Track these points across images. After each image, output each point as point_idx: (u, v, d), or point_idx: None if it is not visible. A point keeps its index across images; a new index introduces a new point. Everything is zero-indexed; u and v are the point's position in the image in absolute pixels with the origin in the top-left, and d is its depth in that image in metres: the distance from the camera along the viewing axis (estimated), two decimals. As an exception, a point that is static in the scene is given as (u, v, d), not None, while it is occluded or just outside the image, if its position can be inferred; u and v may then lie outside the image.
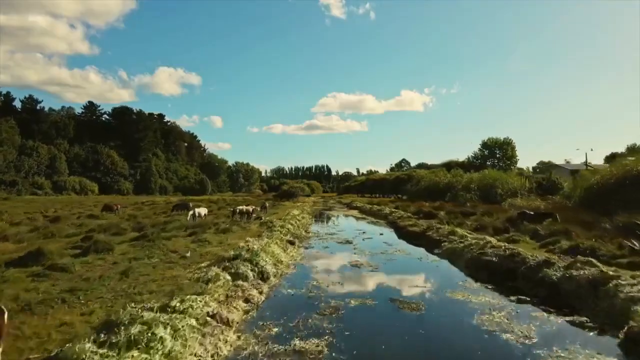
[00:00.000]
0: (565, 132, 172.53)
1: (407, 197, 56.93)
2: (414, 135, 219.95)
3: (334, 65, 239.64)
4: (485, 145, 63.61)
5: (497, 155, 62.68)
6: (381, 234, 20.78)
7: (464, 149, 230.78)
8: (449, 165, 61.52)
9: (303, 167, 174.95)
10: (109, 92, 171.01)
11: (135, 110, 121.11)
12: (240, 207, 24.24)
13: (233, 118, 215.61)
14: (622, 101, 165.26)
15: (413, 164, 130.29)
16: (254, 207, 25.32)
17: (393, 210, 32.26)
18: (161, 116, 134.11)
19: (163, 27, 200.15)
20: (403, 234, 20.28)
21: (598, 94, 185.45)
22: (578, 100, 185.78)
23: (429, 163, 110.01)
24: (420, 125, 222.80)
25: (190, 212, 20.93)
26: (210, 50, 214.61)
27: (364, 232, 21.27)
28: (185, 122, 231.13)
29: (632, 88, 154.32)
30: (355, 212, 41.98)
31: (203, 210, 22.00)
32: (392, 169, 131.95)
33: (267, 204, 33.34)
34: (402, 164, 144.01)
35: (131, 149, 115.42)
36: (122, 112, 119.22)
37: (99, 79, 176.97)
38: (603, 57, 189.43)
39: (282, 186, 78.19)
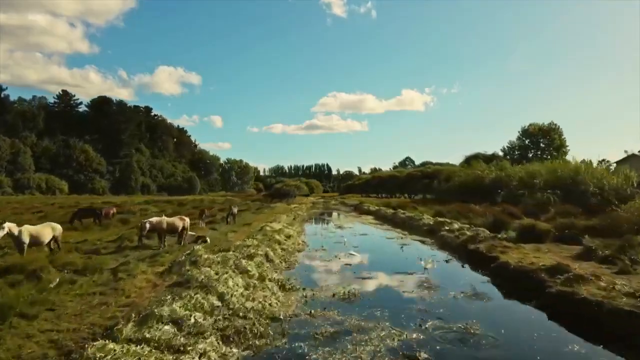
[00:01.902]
0: (565, 132, 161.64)
1: (431, 197, 45.01)
2: (414, 135, 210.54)
3: (334, 65, 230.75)
4: (525, 132, 51.03)
5: (542, 145, 50.14)
6: (480, 299, 8.30)
7: (464, 149, 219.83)
8: (477, 159, 49.79)
9: (303, 166, 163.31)
10: (108, 91, 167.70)
11: (115, 101, 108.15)
12: (157, 220, 11.85)
13: (233, 118, 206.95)
14: (622, 101, 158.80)
15: (416, 162, 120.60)
16: (186, 219, 12.85)
17: (440, 220, 19.74)
18: (148, 109, 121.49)
19: (163, 27, 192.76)
20: (549, 303, 7.66)
21: (598, 94, 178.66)
22: (578, 100, 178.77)
23: (434, 161, 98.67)
24: (421, 125, 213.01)
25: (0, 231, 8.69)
26: (210, 50, 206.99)
27: (426, 286, 8.85)
28: (185, 122, 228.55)
29: (632, 88, 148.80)
30: (369, 219, 29.60)
31: (45, 232, 9.64)
32: (395, 167, 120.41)
33: (236, 209, 20.96)
34: (407, 162, 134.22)
35: (110, 143, 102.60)
36: (100, 103, 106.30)
37: (98, 78, 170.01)
38: (603, 57, 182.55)
39: (276, 184, 65.64)
